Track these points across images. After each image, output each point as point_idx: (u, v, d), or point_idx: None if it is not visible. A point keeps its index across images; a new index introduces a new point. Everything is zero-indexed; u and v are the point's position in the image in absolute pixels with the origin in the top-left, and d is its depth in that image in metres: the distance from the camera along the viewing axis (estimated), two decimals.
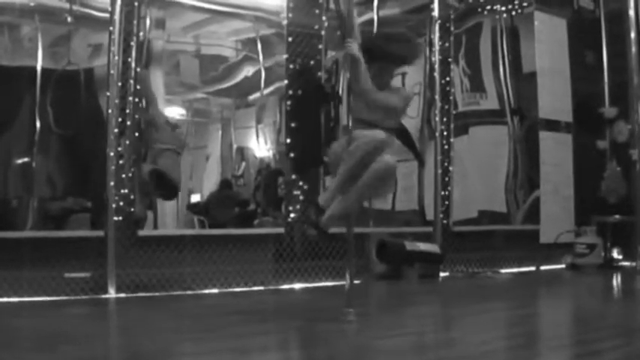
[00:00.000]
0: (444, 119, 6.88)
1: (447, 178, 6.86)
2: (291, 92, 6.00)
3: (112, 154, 5.15)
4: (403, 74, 6.72)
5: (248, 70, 5.93)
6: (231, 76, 5.90)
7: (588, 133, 7.87)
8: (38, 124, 4.96)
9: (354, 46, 4.06)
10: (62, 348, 3.29)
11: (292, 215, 5.95)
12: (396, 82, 6.64)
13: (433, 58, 6.82)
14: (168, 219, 5.60)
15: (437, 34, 6.82)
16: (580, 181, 7.66)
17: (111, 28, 5.20)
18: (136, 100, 5.31)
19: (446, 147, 6.88)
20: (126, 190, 5.21)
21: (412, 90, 6.74)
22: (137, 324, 4.19)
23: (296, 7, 6.07)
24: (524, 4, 7.48)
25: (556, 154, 7.51)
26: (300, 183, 5.99)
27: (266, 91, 5.97)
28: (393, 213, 6.63)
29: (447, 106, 6.91)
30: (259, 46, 5.93)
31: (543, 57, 7.46)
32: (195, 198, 5.74)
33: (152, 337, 3.68)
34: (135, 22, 5.33)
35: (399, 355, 3.27)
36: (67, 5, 5.10)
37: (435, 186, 6.77)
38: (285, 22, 6.01)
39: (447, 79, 6.92)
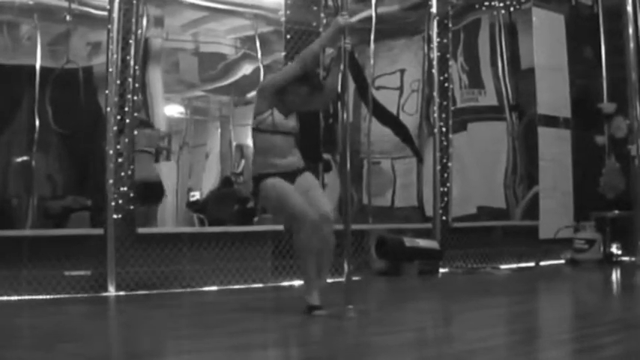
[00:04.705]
0: (443, 116, 6.89)
1: (445, 175, 6.87)
2: None
3: (110, 152, 5.16)
4: (402, 71, 6.72)
5: (247, 68, 5.92)
6: (230, 74, 5.88)
7: (587, 128, 7.87)
8: (37, 123, 4.95)
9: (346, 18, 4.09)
10: (61, 346, 3.30)
11: None
12: (395, 79, 6.67)
13: (431, 55, 6.82)
14: (167, 216, 5.59)
15: (435, 31, 6.83)
16: (579, 177, 7.67)
17: (109, 27, 5.20)
18: (135, 97, 5.31)
19: (444, 143, 6.89)
20: (125, 188, 5.22)
21: (410, 87, 6.76)
22: (136, 322, 4.19)
23: (294, 5, 6.07)
24: (522, 0, 7.47)
25: (555, 149, 7.51)
26: None
27: None
28: (392, 209, 6.63)
29: (445, 103, 6.92)
30: (258, 43, 5.92)
31: (541, 53, 7.46)
32: (195, 196, 5.73)
33: (151, 335, 3.69)
34: (133, 20, 5.34)
35: (398, 351, 3.27)
36: (65, 4, 5.09)
37: (433, 182, 6.78)
38: (283, 20, 6.00)
39: (446, 75, 6.93)
